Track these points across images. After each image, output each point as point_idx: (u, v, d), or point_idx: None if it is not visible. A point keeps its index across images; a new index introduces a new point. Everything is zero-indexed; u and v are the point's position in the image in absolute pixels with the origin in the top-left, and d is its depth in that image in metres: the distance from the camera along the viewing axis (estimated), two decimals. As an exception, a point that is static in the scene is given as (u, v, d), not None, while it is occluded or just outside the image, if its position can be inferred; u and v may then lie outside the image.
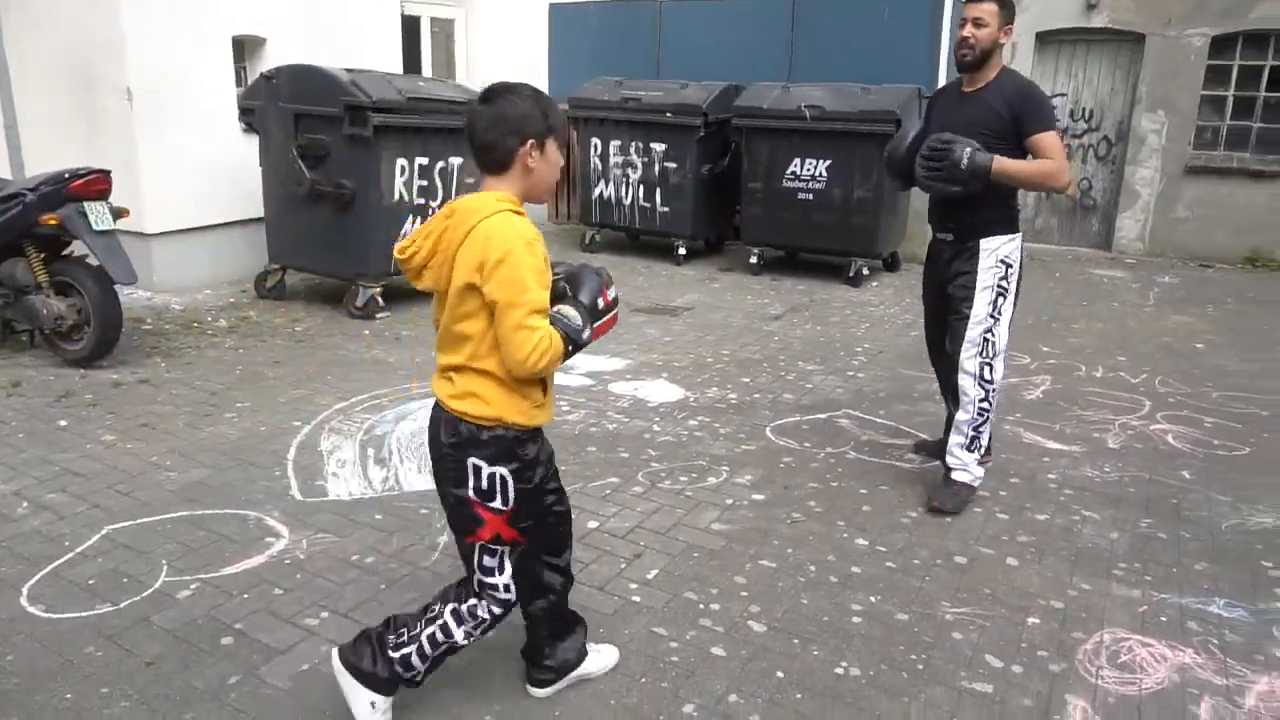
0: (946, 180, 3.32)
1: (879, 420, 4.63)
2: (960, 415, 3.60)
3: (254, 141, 6.52)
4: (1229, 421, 4.75)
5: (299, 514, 3.41)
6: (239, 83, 7.05)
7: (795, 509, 3.60)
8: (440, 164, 6.38)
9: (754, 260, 8.26)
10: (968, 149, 3.26)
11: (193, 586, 2.90)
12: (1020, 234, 3.55)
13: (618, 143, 8.59)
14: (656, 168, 8.44)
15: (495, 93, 2.06)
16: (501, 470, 2.10)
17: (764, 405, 4.80)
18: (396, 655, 2.20)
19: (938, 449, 3.97)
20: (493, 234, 1.96)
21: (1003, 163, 3.28)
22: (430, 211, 6.41)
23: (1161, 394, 5.19)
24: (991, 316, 3.50)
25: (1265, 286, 8.47)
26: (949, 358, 3.63)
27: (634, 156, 8.54)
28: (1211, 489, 3.91)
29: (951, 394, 3.71)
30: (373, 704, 2.20)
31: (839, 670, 2.58)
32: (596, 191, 8.87)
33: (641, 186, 8.59)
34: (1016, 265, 3.53)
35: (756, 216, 8.18)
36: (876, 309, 7.09)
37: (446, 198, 6.49)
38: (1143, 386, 5.32)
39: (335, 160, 6.03)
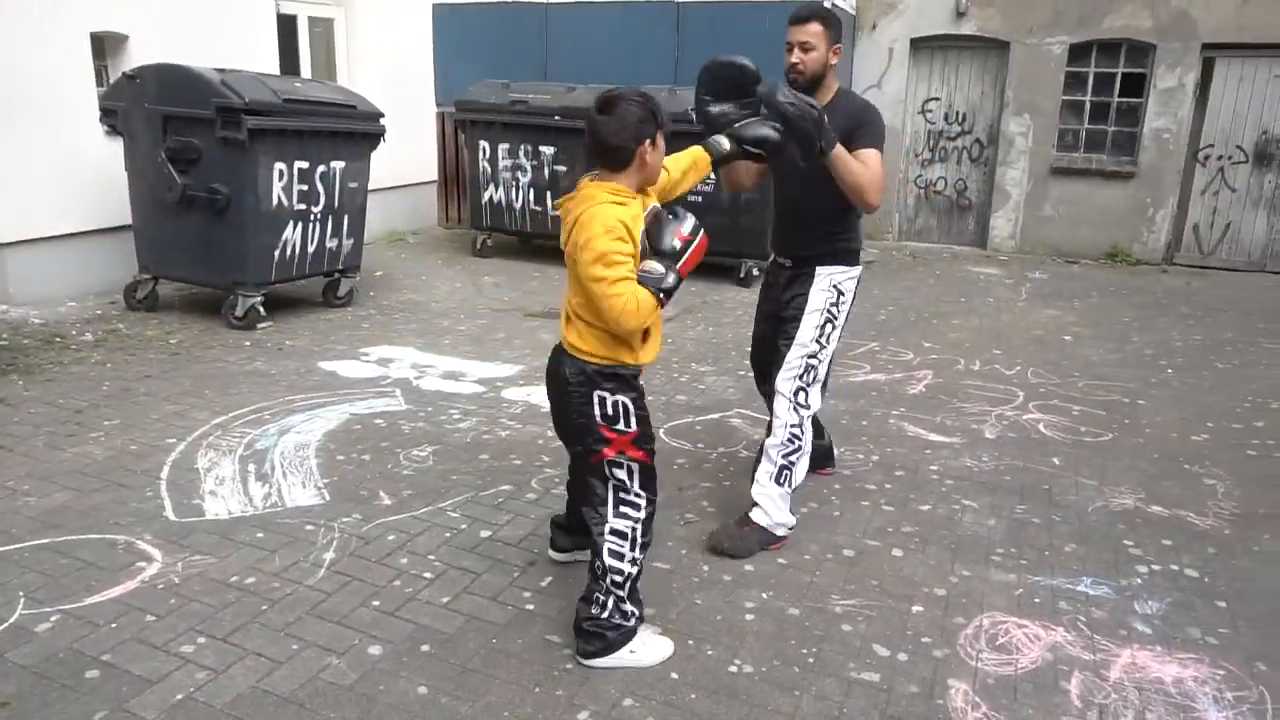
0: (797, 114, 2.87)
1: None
2: (770, 440, 3.32)
3: (118, 144, 6.18)
4: (1094, 409, 5.03)
5: (173, 535, 3.24)
6: (100, 82, 6.66)
7: (689, 510, 3.63)
8: (321, 168, 6.18)
9: (646, 262, 8.28)
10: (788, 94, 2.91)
11: (54, 619, 2.71)
12: (860, 269, 3.45)
13: (506, 146, 8.51)
14: (546, 171, 8.39)
15: (611, 103, 2.37)
16: (623, 399, 2.50)
17: (658, 407, 4.82)
18: (605, 615, 2.55)
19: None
20: (589, 221, 2.36)
21: (843, 150, 3.05)
22: (313, 217, 6.21)
23: (1034, 384, 5.45)
24: (817, 342, 3.32)
25: (1124, 281, 9.02)
26: (771, 382, 3.40)
27: (523, 160, 8.47)
28: (1079, 474, 4.13)
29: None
30: (632, 651, 2.57)
31: (733, 668, 2.61)
32: (486, 195, 8.76)
33: (532, 190, 8.52)
34: (849, 295, 3.40)
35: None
36: (766, 309, 7.21)
37: (330, 203, 6.30)
38: (1016, 378, 5.58)
39: (208, 164, 5.77)
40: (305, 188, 6.10)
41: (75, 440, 4.06)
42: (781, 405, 3.31)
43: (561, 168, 8.31)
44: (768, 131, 2.93)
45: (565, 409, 2.56)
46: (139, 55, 6.58)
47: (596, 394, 2.48)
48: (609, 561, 2.55)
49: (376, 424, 4.40)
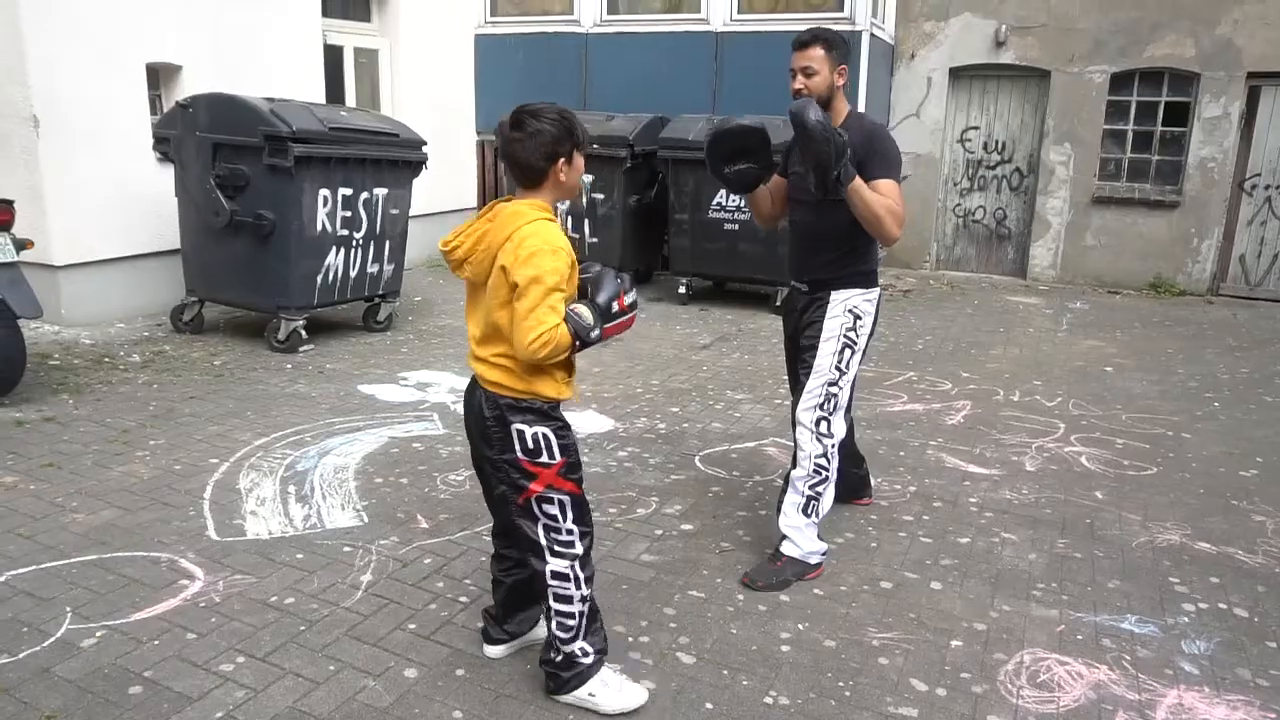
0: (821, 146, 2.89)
1: (805, 447, 4.68)
2: (796, 472, 3.28)
3: (169, 171, 6.35)
4: (1137, 442, 4.94)
5: (215, 555, 3.30)
6: (154, 111, 6.86)
7: (724, 538, 3.61)
8: (364, 195, 6.30)
9: (682, 290, 8.33)
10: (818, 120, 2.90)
11: (99, 634, 2.77)
12: (878, 290, 3.39)
13: (545, 173, 8.59)
14: (584, 198, 8.46)
15: (523, 119, 2.31)
16: (542, 429, 2.38)
17: (693, 435, 4.82)
18: (559, 659, 2.50)
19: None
20: (527, 237, 2.26)
21: (860, 183, 3.02)
22: (355, 243, 6.33)
23: (1075, 416, 5.37)
24: (837, 369, 3.25)
25: (1167, 312, 8.87)
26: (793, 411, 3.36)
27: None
28: (1123, 508, 4.06)
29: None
30: (591, 694, 2.48)
31: (768, 700, 2.59)
32: (525, 222, 8.84)
33: (570, 218, 8.60)
34: (868, 319, 3.33)
35: (684, 247, 8.26)
36: (802, 337, 7.18)
37: (371, 229, 6.41)
38: (1057, 410, 5.50)
39: (255, 191, 5.91)
40: (349, 214, 6.22)
41: (122, 459, 4.15)
42: (804, 436, 3.26)
43: (599, 195, 8.39)
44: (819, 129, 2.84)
45: (484, 446, 2.44)
46: (192, 85, 6.77)
47: (514, 427, 2.36)
48: (556, 606, 2.46)
49: (415, 448, 4.44)
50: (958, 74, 10.33)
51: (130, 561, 3.22)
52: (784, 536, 3.30)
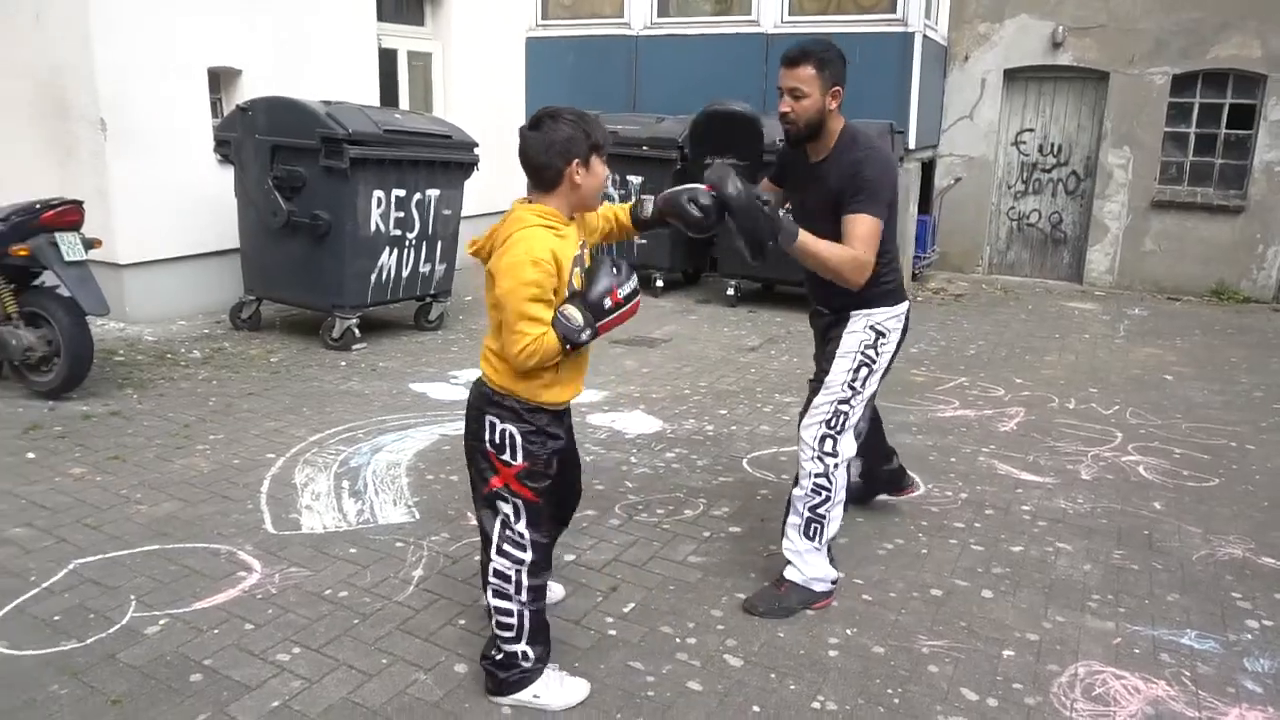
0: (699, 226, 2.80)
1: (854, 452, 4.64)
2: (796, 492, 3.08)
3: (229, 172, 6.51)
4: (1197, 453, 4.82)
5: (271, 547, 3.37)
6: (215, 114, 7.04)
7: (772, 541, 3.59)
8: (417, 196, 6.39)
9: (730, 292, 8.31)
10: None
11: (161, 622, 2.85)
12: (905, 303, 3.14)
13: (595, 175, 8.64)
14: (634, 199, 8.48)
15: (541, 120, 2.32)
16: (511, 428, 2.39)
17: (741, 437, 4.81)
18: (499, 657, 2.49)
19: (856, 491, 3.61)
20: (513, 245, 2.28)
21: (808, 239, 2.82)
22: (408, 243, 6.42)
23: (1132, 425, 5.26)
24: (850, 386, 3.03)
25: (1230, 319, 8.63)
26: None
27: (611, 189, 8.59)
28: (1182, 520, 3.96)
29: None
30: (536, 695, 2.49)
31: (815, 704, 2.58)
32: (574, 223, 8.90)
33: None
34: (893, 336, 3.10)
35: (732, 249, 8.23)
36: (851, 341, 7.12)
37: (424, 230, 6.50)
38: (1114, 418, 5.39)
39: (311, 192, 6.03)
40: (402, 215, 6.32)
41: (183, 453, 4.26)
42: (805, 454, 3.06)
43: (648, 196, 8.40)
44: (691, 210, 2.65)
45: (467, 429, 2.51)
46: (251, 88, 6.93)
47: (487, 418, 2.41)
48: (494, 602, 2.47)
49: (464, 446, 4.49)
50: (1013, 75, 10.16)
51: (191, 552, 3.31)
52: (787, 561, 3.13)
